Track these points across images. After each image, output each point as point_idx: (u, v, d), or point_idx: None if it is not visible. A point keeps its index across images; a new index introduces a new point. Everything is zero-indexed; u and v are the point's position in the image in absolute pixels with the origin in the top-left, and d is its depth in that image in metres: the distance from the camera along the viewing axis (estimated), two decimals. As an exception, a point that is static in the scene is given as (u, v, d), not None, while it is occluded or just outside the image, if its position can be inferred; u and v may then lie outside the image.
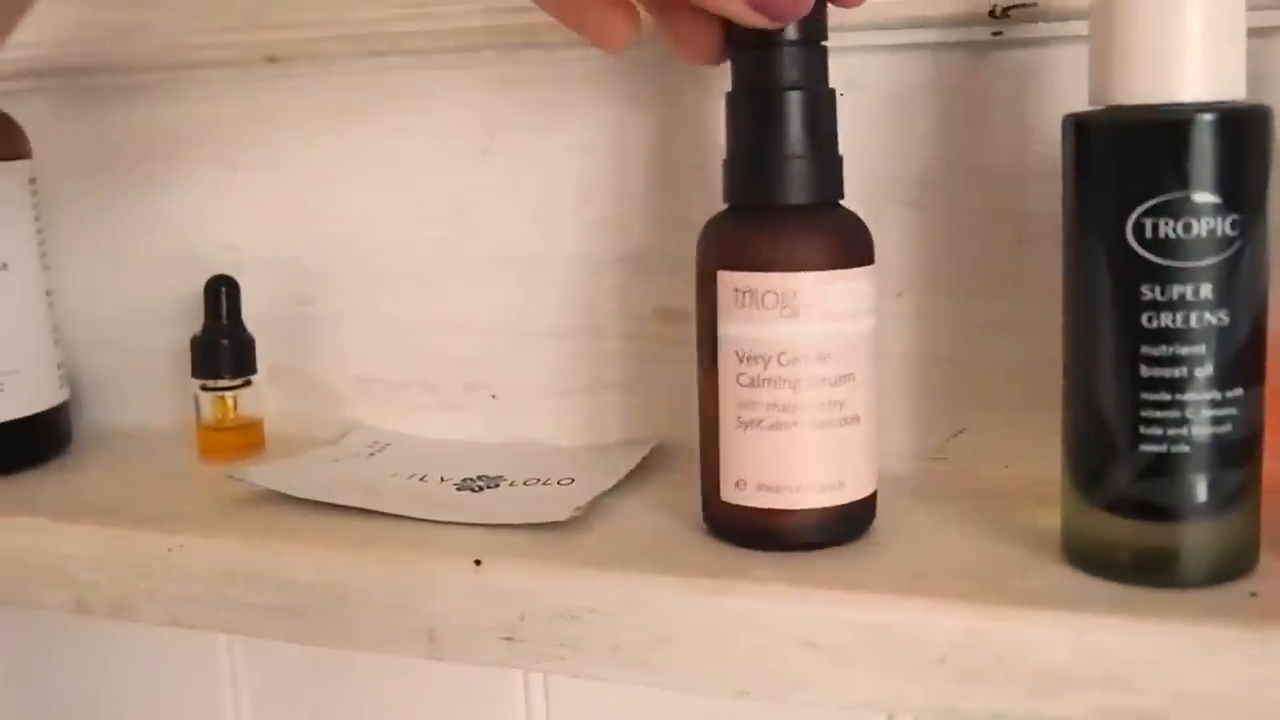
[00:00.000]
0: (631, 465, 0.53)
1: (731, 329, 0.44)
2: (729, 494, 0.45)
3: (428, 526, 0.49)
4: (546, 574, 0.45)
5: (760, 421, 0.44)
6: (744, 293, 0.43)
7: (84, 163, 0.65)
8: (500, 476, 0.54)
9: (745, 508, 0.44)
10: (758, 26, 0.41)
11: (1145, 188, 0.38)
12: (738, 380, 0.44)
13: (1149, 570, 0.40)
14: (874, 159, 0.51)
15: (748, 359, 0.44)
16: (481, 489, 0.53)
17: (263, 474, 0.54)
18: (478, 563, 0.45)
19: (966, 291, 0.51)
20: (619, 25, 0.43)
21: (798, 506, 0.44)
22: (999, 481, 0.50)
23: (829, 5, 0.43)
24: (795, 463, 0.44)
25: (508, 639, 0.45)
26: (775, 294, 0.43)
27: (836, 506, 0.44)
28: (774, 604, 0.42)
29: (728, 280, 0.44)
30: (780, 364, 0.43)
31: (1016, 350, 0.50)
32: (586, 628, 0.44)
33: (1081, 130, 0.40)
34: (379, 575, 0.47)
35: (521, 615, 0.45)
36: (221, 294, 0.59)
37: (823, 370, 0.43)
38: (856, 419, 0.44)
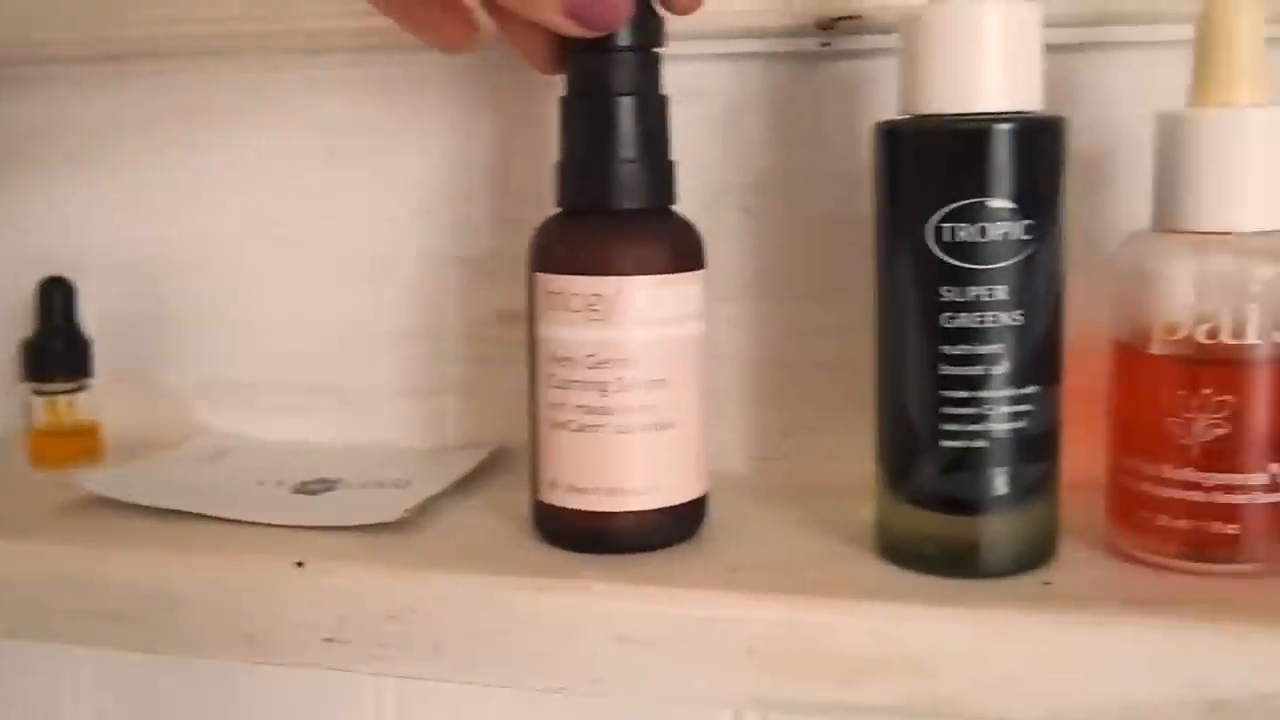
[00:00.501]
0: (468, 468, 0.55)
1: (544, 330, 0.46)
2: (545, 494, 0.47)
3: (256, 530, 0.50)
4: (369, 575, 0.46)
5: (569, 423, 0.45)
6: (555, 295, 0.45)
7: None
8: (338, 479, 0.55)
9: (560, 509, 0.46)
10: (576, 35, 0.43)
11: (945, 193, 0.41)
12: (549, 381, 0.46)
13: (952, 562, 0.42)
14: (711, 167, 0.54)
15: (558, 361, 0.45)
16: (317, 492, 0.54)
17: (94, 479, 0.55)
18: (299, 565, 0.46)
19: (799, 296, 0.54)
20: (456, 30, 0.45)
21: (607, 509, 0.45)
22: (829, 479, 0.52)
23: (658, 12, 0.45)
24: (602, 466, 0.45)
25: (329, 640, 0.46)
26: (581, 297, 0.45)
27: (652, 510, 0.46)
28: (589, 600, 0.43)
29: (542, 282, 0.46)
30: (587, 367, 0.45)
31: (846, 352, 0.52)
32: (407, 627, 0.45)
33: (889, 138, 0.43)
34: (200, 579, 0.47)
35: (343, 617, 0.46)
36: (54, 296, 0.60)
37: (631, 374, 0.45)
38: (671, 424, 0.45)
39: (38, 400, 0.60)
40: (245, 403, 0.62)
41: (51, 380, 0.60)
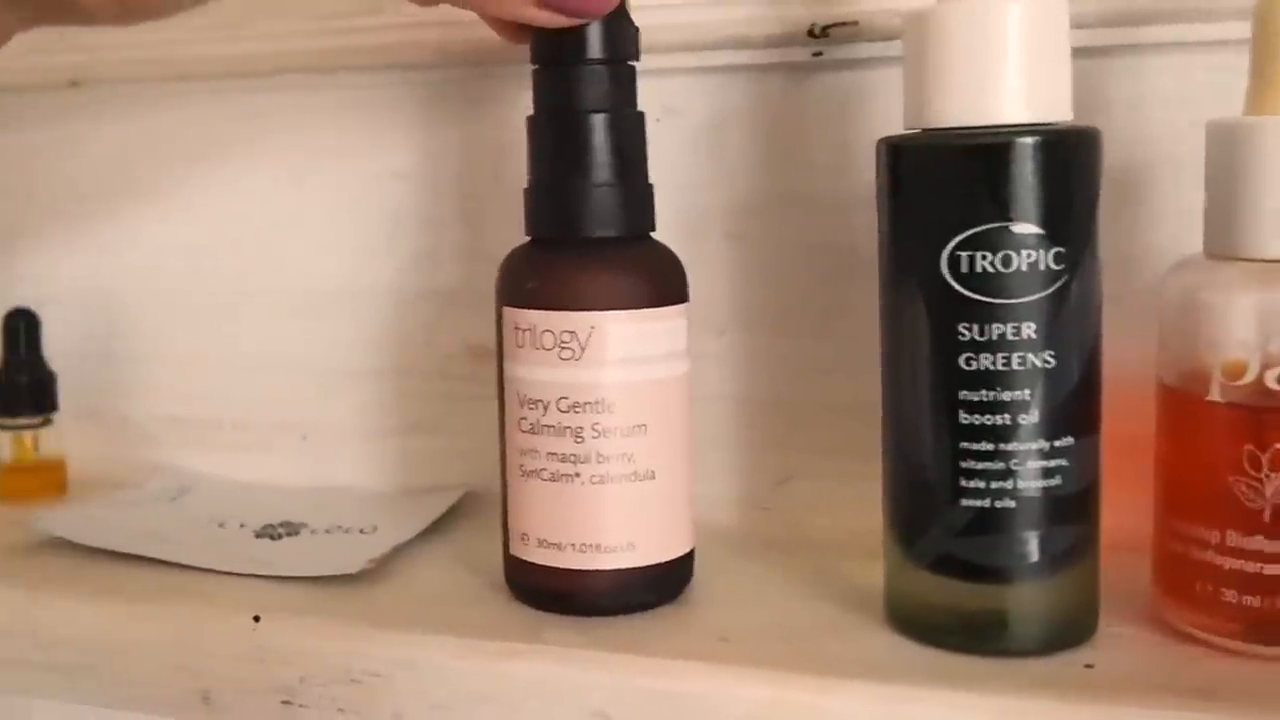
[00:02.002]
0: (438, 514, 0.46)
1: (514, 370, 0.37)
2: (516, 548, 0.37)
3: (216, 579, 0.42)
4: (328, 633, 0.37)
5: (541, 471, 0.36)
6: (524, 331, 0.36)
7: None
8: (303, 523, 0.46)
9: (532, 564, 0.37)
10: (555, 26, 0.34)
11: (961, 217, 0.31)
12: (519, 426, 0.36)
13: (974, 636, 0.33)
14: (693, 189, 0.44)
15: (528, 404, 0.36)
16: (281, 536, 0.45)
17: (52, 520, 0.47)
18: (256, 619, 0.38)
19: (791, 329, 0.44)
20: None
21: (582, 567, 0.36)
22: (826, 533, 0.43)
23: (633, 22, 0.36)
24: (576, 519, 0.36)
25: (286, 702, 0.38)
26: (553, 334, 0.35)
27: (630, 569, 0.36)
28: (564, 669, 0.34)
29: (510, 317, 0.36)
30: (560, 410, 0.35)
31: (844, 392, 0.43)
32: (367, 692, 0.37)
33: (895, 155, 0.33)
34: (155, 631, 0.40)
35: (300, 677, 0.37)
36: (20, 328, 0.51)
37: (608, 420, 0.35)
38: (651, 475, 0.36)
39: (3, 435, 0.52)
40: (209, 440, 0.53)
41: (17, 415, 0.52)
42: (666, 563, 0.37)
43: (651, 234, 0.38)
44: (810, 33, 0.41)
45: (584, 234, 0.36)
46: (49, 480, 0.52)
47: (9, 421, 0.51)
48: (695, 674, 0.33)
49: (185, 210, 0.52)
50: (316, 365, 0.51)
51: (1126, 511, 0.33)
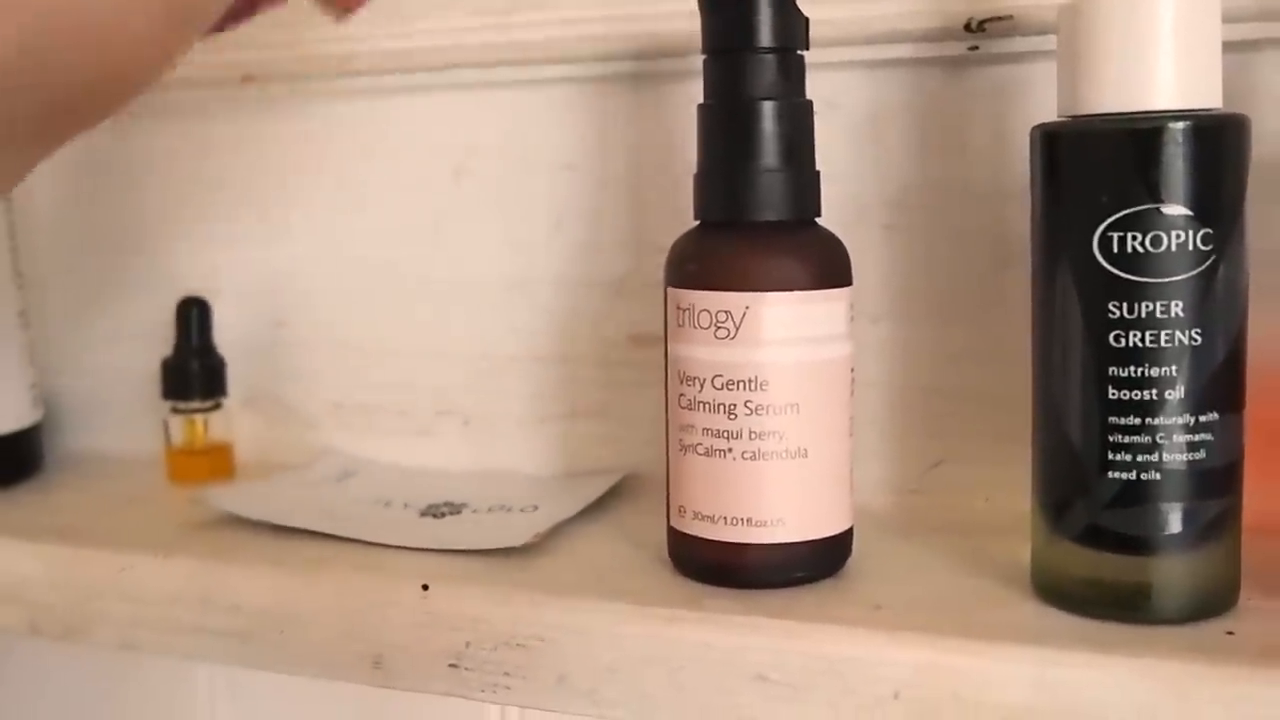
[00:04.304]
0: (598, 494, 0.50)
1: (674, 348, 0.42)
2: (675, 520, 0.42)
3: (383, 552, 0.47)
4: (493, 600, 0.42)
5: (697, 446, 0.41)
6: (684, 310, 0.41)
7: (63, 184, 0.63)
8: (464, 503, 0.51)
9: (690, 536, 0.42)
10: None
11: (1112, 200, 0.35)
12: (679, 402, 0.41)
13: (1119, 605, 0.37)
14: (850, 180, 0.49)
15: (686, 380, 0.41)
16: (444, 515, 0.50)
17: (224, 497, 0.52)
18: (425, 588, 0.43)
19: (945, 317, 0.48)
20: None
21: (736, 540, 0.40)
22: (977, 514, 0.47)
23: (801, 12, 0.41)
24: (728, 493, 0.40)
25: (453, 666, 0.43)
26: (709, 313, 0.40)
27: (784, 544, 0.40)
28: (725, 635, 0.39)
29: (673, 298, 0.41)
30: (715, 387, 0.40)
31: (996, 378, 0.47)
32: (533, 656, 0.41)
33: (1049, 142, 0.37)
34: (327, 599, 0.44)
35: (467, 642, 0.42)
36: (193, 315, 0.57)
37: (760, 398, 0.40)
38: (803, 453, 0.40)
39: (175, 419, 0.58)
40: (372, 426, 0.59)
41: (189, 399, 0.58)
42: (822, 539, 0.41)
43: (817, 220, 0.42)
44: (967, 27, 0.45)
45: (749, 218, 0.40)
46: (217, 463, 0.58)
47: (181, 405, 0.57)
48: (851, 639, 0.37)
49: (353, 202, 0.58)
50: (478, 352, 0.56)
51: (1271, 495, 0.37)
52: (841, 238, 0.42)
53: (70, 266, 0.64)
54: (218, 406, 0.58)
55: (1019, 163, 0.45)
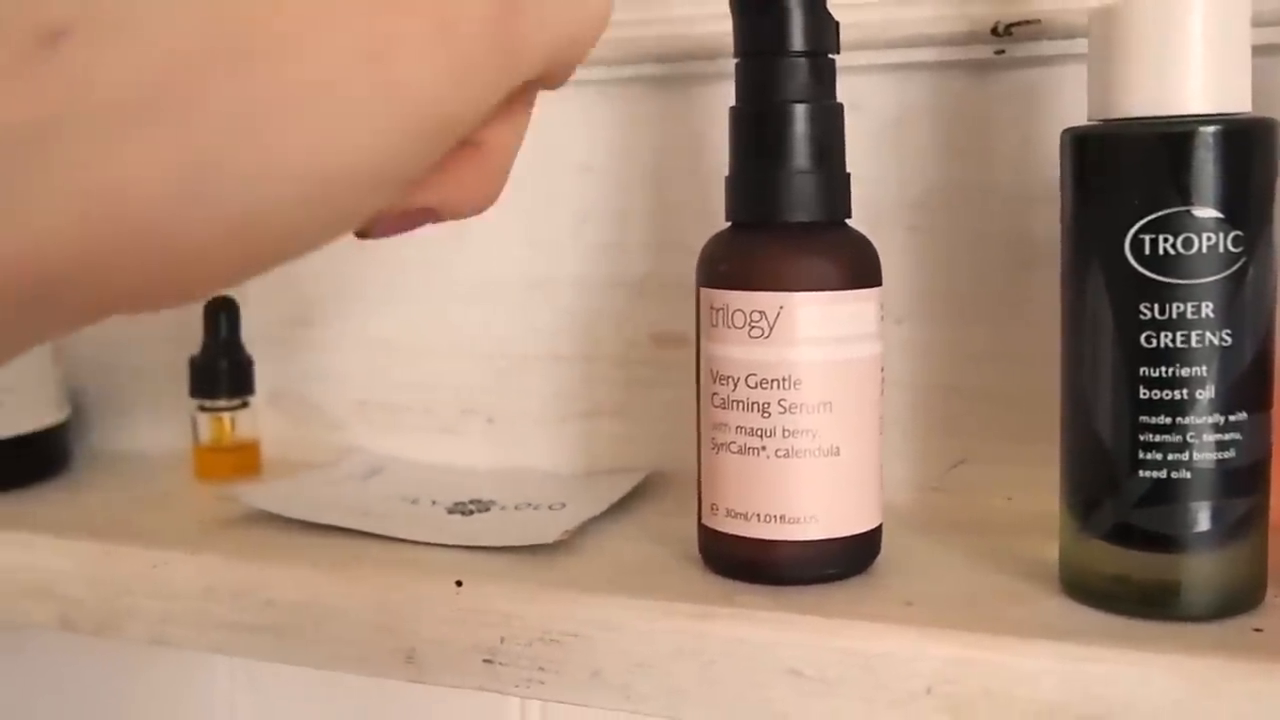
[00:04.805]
0: (624, 491, 0.51)
1: (707, 347, 0.42)
2: (706, 518, 0.43)
3: (413, 548, 0.47)
4: (527, 596, 0.43)
5: (730, 444, 0.42)
6: (718, 310, 0.42)
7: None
8: (492, 501, 0.52)
9: (722, 533, 0.42)
10: None
11: (1144, 203, 0.36)
12: (711, 401, 0.42)
13: (1148, 602, 0.37)
14: (875, 182, 0.49)
15: (719, 380, 0.42)
16: (472, 512, 0.51)
17: (253, 493, 0.53)
18: (459, 584, 0.44)
19: (969, 318, 0.49)
20: None
21: (768, 537, 0.41)
22: (1000, 513, 0.48)
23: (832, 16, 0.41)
24: (761, 490, 0.41)
25: (488, 661, 0.43)
26: (744, 313, 0.41)
27: (815, 541, 0.41)
28: (758, 630, 0.40)
29: (706, 298, 0.42)
30: (748, 386, 0.41)
31: (1019, 378, 0.48)
32: (566, 651, 0.42)
33: (1080, 145, 0.38)
34: (361, 595, 0.45)
35: (501, 638, 0.43)
36: (220, 315, 0.58)
37: (794, 396, 0.40)
38: (836, 451, 0.41)
39: (203, 416, 0.58)
40: (397, 424, 0.60)
41: (217, 398, 0.59)
42: (853, 536, 0.42)
43: (847, 220, 0.43)
44: (994, 31, 0.46)
45: (779, 219, 0.41)
46: (244, 461, 0.59)
47: (209, 404, 0.58)
48: (883, 634, 0.38)
49: None
50: (501, 351, 0.57)
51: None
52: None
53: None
54: (245, 405, 0.59)
55: (1043, 166, 0.46)
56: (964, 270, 0.49)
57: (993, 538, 0.46)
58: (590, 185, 0.55)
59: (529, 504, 0.51)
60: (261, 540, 0.49)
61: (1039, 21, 0.45)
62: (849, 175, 0.42)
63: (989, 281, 0.49)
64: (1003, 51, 0.47)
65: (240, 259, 0.23)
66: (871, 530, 0.42)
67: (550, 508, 0.51)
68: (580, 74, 0.52)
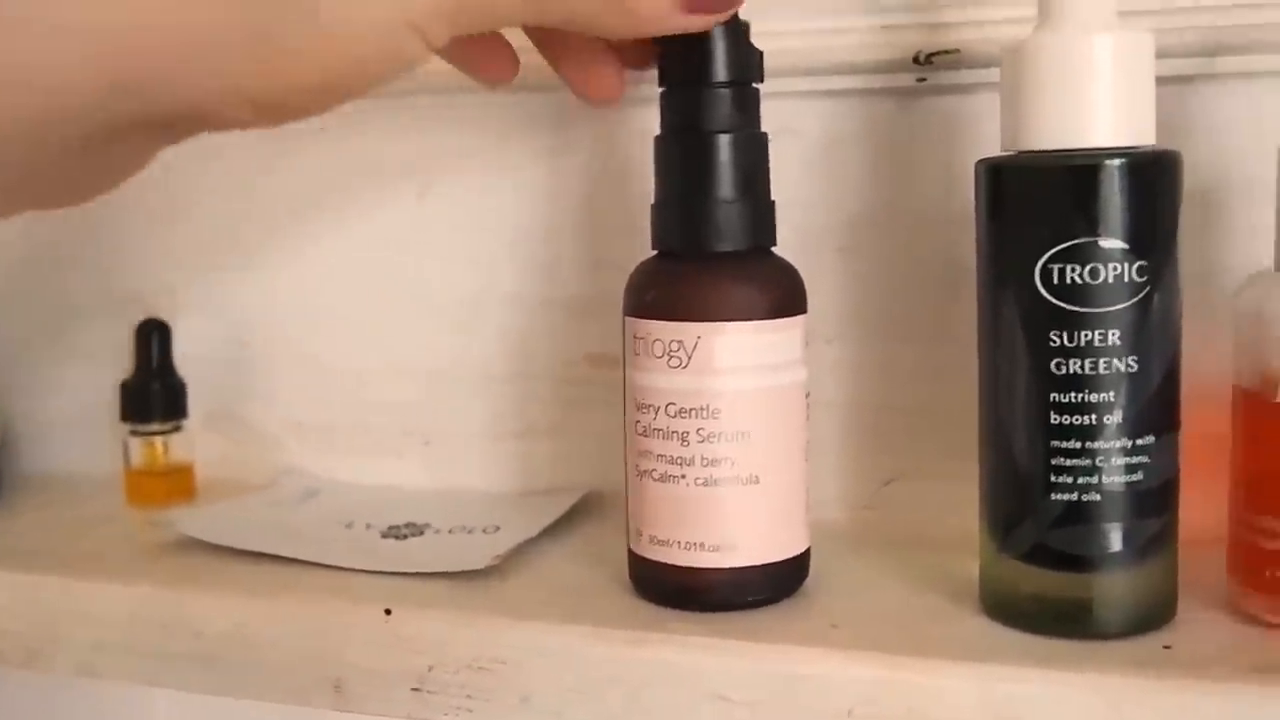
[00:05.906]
0: (559, 514, 0.52)
1: (631, 375, 0.43)
2: (634, 544, 0.44)
3: (345, 575, 0.48)
4: (456, 623, 0.44)
5: (652, 472, 0.43)
6: (640, 339, 0.43)
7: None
8: (426, 524, 0.53)
9: (649, 560, 0.44)
10: (689, 29, 0.39)
11: (1053, 233, 0.38)
12: (635, 428, 0.43)
13: (1062, 621, 0.39)
14: (807, 205, 0.51)
15: (642, 407, 0.43)
16: (406, 536, 0.52)
17: (185, 520, 0.54)
18: (388, 612, 0.45)
19: (897, 338, 0.51)
20: (497, 66, 0.43)
21: (691, 564, 0.42)
22: (929, 530, 0.49)
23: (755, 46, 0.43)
24: (682, 518, 0.42)
25: (415, 690, 0.44)
26: (663, 343, 0.42)
27: (738, 568, 0.42)
28: (686, 656, 0.41)
29: (630, 327, 0.43)
30: (668, 415, 0.42)
31: (948, 397, 0.49)
32: (496, 678, 0.43)
33: (993, 175, 0.40)
34: (288, 624, 0.46)
35: (430, 665, 0.44)
36: (152, 338, 0.59)
37: (712, 425, 0.42)
38: (755, 479, 0.42)
39: (135, 441, 0.59)
40: (333, 445, 0.60)
41: (149, 422, 0.59)
42: (777, 562, 0.43)
43: (772, 249, 0.44)
44: (915, 59, 0.48)
45: (703, 248, 0.42)
46: (178, 485, 0.59)
47: (141, 428, 0.58)
48: (808, 658, 0.40)
49: (314, 220, 0.59)
50: (438, 371, 0.58)
51: (1206, 508, 0.40)
52: (797, 260, 0.44)
53: (26, 287, 0.65)
54: (178, 429, 0.59)
55: (966, 190, 0.47)
56: (893, 291, 0.51)
57: (921, 556, 0.47)
58: (525, 204, 0.56)
59: (464, 527, 0.52)
60: (191, 568, 0.50)
61: (958, 51, 0.47)
62: (773, 203, 0.44)
63: (918, 302, 0.50)
64: (924, 80, 0.48)
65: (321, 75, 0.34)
66: (798, 555, 0.44)
67: (485, 530, 0.51)
68: (520, 94, 0.54)
